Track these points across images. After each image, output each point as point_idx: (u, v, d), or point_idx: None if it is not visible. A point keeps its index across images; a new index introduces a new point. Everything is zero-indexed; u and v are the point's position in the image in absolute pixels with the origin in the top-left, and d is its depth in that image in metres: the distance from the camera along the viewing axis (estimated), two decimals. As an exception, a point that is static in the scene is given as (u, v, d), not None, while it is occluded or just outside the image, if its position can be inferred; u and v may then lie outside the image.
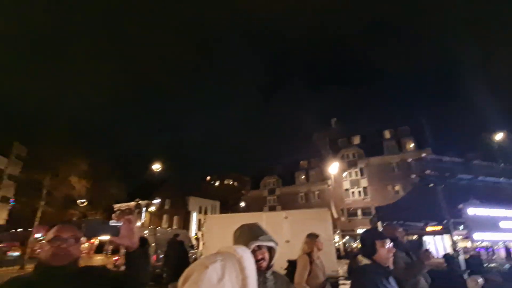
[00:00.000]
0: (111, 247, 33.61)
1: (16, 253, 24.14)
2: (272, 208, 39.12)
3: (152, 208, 38.09)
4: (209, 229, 9.49)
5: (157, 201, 38.51)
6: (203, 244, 10.42)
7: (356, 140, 40.32)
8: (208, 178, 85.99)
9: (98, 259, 18.18)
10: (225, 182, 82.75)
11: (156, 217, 41.80)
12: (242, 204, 49.36)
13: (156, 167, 25.01)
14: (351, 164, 37.72)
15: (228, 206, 52.26)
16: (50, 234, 1.36)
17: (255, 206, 39.19)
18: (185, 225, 44.11)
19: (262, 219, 7.94)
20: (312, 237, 3.43)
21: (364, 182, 36.45)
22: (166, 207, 46.34)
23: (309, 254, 3.28)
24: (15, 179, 27.85)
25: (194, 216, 47.40)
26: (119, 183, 35.82)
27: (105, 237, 18.72)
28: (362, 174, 36.97)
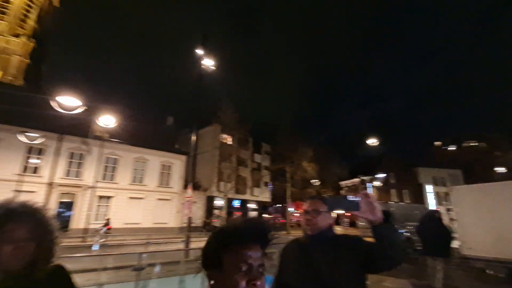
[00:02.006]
0: (346, 220, 36.70)
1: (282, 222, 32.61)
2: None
3: (377, 183, 37.47)
4: (459, 202, 7.68)
5: (380, 175, 37.53)
6: (452, 220, 8.64)
7: None
8: (438, 143, 71.97)
9: (338, 231, 20.36)
10: (464, 145, 65.32)
11: (383, 192, 40.76)
12: (500, 169, 36.96)
13: (372, 141, 24.53)
14: None
15: (475, 174, 40.88)
16: (303, 208, 1.66)
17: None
18: (417, 199, 39.73)
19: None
20: None
21: None
22: (392, 181, 44.00)
23: None
24: (268, 169, 37.64)
25: (429, 189, 41.63)
26: (340, 162, 38.78)
27: (341, 211, 20.85)
28: None
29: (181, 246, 11.70)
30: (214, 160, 31.55)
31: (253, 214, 35.57)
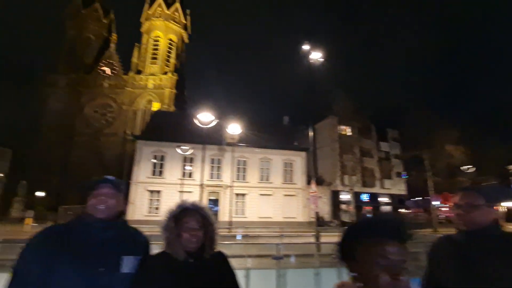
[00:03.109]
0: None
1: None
2: None
3: None
4: None
5: None
6: None
7: None
8: None
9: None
10: None
11: None
12: None
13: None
14: None
15: None
16: (453, 201, 1.44)
17: None
18: None
19: None
20: None
21: None
22: None
23: None
24: (400, 158, 33.06)
25: None
26: (506, 141, 29.42)
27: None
28: None
29: (312, 239, 11.88)
30: (335, 153, 30.54)
31: (386, 208, 32.06)
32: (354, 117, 28.35)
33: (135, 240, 1.55)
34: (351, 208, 27.40)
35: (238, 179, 25.82)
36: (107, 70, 43.60)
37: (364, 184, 30.93)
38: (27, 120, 40.14)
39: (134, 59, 43.36)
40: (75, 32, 44.34)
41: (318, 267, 4.63)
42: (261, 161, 27.06)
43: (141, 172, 24.93)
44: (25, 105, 45.45)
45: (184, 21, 47.85)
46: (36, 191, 31.91)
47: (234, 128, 19.14)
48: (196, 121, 17.85)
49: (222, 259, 1.55)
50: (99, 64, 43.83)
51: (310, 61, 14.46)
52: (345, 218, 27.17)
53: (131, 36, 58.29)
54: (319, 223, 12.86)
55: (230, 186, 24.53)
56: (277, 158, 27.47)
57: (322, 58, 14.29)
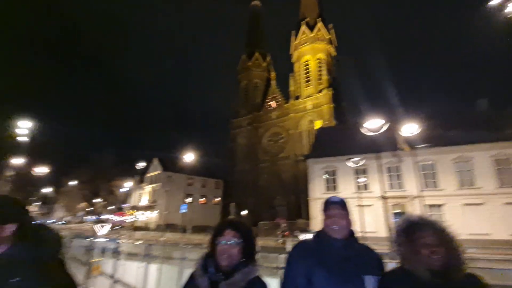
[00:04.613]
0: None
1: None
2: None
3: None
4: None
5: None
6: None
7: None
8: None
9: None
10: None
11: None
12: None
13: None
14: None
15: None
16: None
17: None
18: None
19: None
20: None
21: None
22: None
23: None
24: None
25: None
26: None
27: None
28: None
29: None
30: None
31: None
32: None
33: (370, 257, 1.61)
34: None
35: (427, 187, 21.61)
36: (273, 104, 50.82)
37: None
38: (228, 156, 52.86)
39: (291, 88, 48.14)
40: (246, 81, 55.49)
41: None
42: (455, 162, 21.50)
43: (316, 189, 26.15)
44: (223, 144, 60.58)
45: (328, 36, 48.71)
46: (241, 210, 40.49)
47: (411, 128, 16.39)
48: (363, 130, 16.89)
49: (475, 282, 1.32)
50: (265, 101, 51.97)
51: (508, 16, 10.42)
52: None
53: (285, 69, 65.76)
54: None
55: (418, 197, 20.83)
56: (481, 154, 20.88)
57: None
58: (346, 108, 47.29)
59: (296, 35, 49.76)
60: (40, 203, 60.57)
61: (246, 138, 51.16)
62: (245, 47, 57.98)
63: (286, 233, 26.58)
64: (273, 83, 52.38)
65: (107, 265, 11.28)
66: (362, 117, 18.24)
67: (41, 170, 36.54)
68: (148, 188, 48.61)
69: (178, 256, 10.55)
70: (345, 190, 24.29)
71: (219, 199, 52.14)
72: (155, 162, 48.01)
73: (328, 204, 1.69)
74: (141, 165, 45.74)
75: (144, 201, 48.51)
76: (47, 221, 49.94)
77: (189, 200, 45.29)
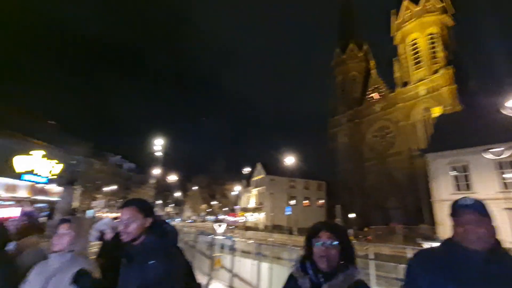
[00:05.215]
0: None
1: None
2: None
3: None
4: None
5: None
6: None
7: None
8: None
9: None
10: None
11: None
12: None
13: None
14: None
15: None
16: None
17: None
18: None
19: None
20: None
21: None
22: None
23: None
24: None
25: None
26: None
27: None
28: None
29: None
30: None
31: None
32: None
33: None
34: None
35: None
36: (375, 95, 46.05)
37: None
38: (328, 156, 50.97)
39: (396, 74, 42.36)
40: (342, 76, 52.43)
41: None
42: None
43: (441, 189, 21.76)
44: (322, 145, 58.91)
45: (440, 4, 40.50)
46: (348, 213, 38.07)
47: None
48: (505, 111, 13.05)
49: None
50: (366, 93, 47.57)
51: None
52: None
53: (386, 55, 58.70)
54: None
55: None
56: None
57: None
58: (475, 88, 37.93)
59: (397, 14, 43.72)
60: (173, 204, 74.26)
61: (347, 136, 48.07)
62: (338, 40, 54.93)
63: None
64: (373, 72, 47.52)
65: (226, 259, 12.47)
66: (501, 96, 14.18)
67: (173, 178, 44.72)
68: (254, 191, 52.14)
69: (286, 257, 10.64)
70: (484, 189, 19.21)
71: (323, 201, 50.77)
72: (259, 166, 51.07)
73: (458, 208, 1.38)
74: (246, 170, 49.64)
75: (252, 203, 52.22)
76: (178, 219, 60.60)
77: (292, 202, 45.96)
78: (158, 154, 26.67)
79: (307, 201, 49.78)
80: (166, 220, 2.07)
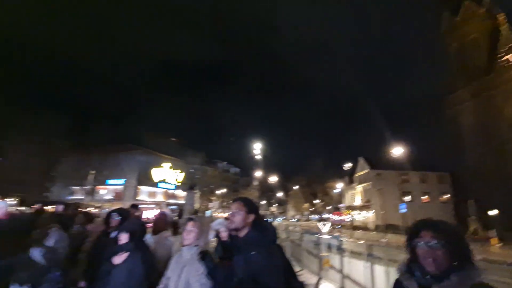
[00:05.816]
0: None
1: None
2: None
3: None
4: None
5: None
6: None
7: None
8: None
9: None
10: None
11: None
12: None
13: None
14: None
15: None
16: None
17: None
18: None
19: None
20: None
21: None
22: None
23: None
24: None
25: None
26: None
27: None
28: None
29: None
30: None
31: None
32: None
33: None
34: None
35: None
36: (510, 57, 35.69)
37: None
38: (449, 142, 42.36)
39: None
40: (457, 43, 42.94)
41: None
42: None
43: None
44: (436, 131, 49.41)
45: None
46: (487, 210, 30.60)
47: None
48: None
49: None
50: (496, 57, 37.33)
51: None
52: None
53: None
54: None
55: None
56: None
57: None
58: None
59: None
60: (277, 204, 77.42)
61: (473, 114, 38.80)
62: (444, 2, 45.41)
63: None
64: (504, 28, 36.95)
65: (334, 260, 12.06)
66: None
67: (273, 179, 46.73)
68: (359, 187, 48.60)
69: (405, 261, 9.39)
70: None
71: (448, 196, 42.59)
72: (361, 161, 47.34)
73: None
74: (347, 166, 46.88)
75: (358, 201, 48.79)
76: (281, 218, 62.61)
77: (407, 198, 40.45)
78: (258, 157, 28.39)
79: (427, 196, 42.91)
80: (268, 219, 2.32)
